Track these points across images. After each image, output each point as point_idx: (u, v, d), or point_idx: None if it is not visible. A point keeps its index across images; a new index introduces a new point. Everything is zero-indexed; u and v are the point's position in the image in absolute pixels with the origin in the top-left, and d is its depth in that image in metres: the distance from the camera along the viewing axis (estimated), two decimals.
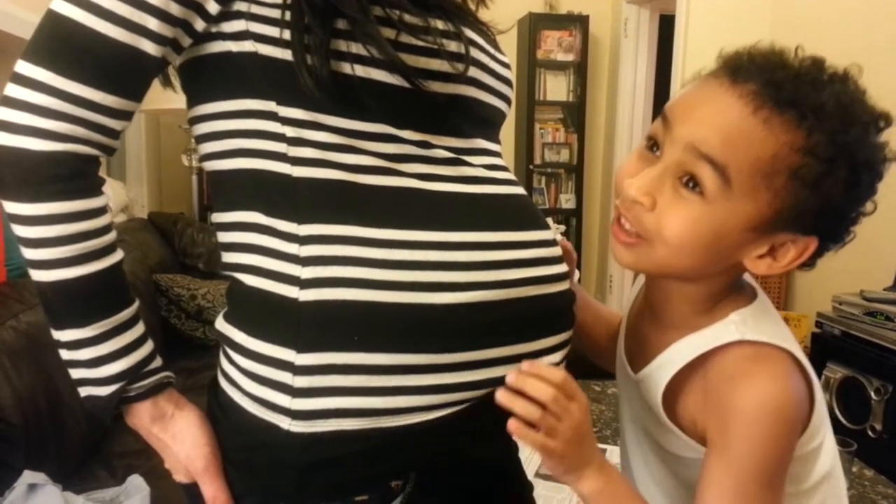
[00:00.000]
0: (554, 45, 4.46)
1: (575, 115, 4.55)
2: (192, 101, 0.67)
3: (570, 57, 4.48)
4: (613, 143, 4.49)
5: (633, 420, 0.76)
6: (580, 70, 4.49)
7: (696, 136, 0.60)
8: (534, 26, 4.36)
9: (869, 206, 0.62)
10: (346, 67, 0.60)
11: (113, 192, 2.64)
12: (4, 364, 1.34)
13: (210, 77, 0.64)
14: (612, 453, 1.42)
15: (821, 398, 0.65)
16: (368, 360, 0.60)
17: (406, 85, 0.61)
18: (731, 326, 0.64)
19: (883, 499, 1.26)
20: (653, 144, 0.65)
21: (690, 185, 0.60)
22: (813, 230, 0.61)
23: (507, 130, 4.62)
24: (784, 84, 0.58)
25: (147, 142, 3.41)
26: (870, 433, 2.06)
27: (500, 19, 0.78)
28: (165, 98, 0.72)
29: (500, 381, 0.64)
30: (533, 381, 0.61)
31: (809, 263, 0.64)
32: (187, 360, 2.20)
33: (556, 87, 4.56)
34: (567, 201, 4.60)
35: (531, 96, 4.45)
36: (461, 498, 0.72)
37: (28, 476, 1.19)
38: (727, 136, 0.59)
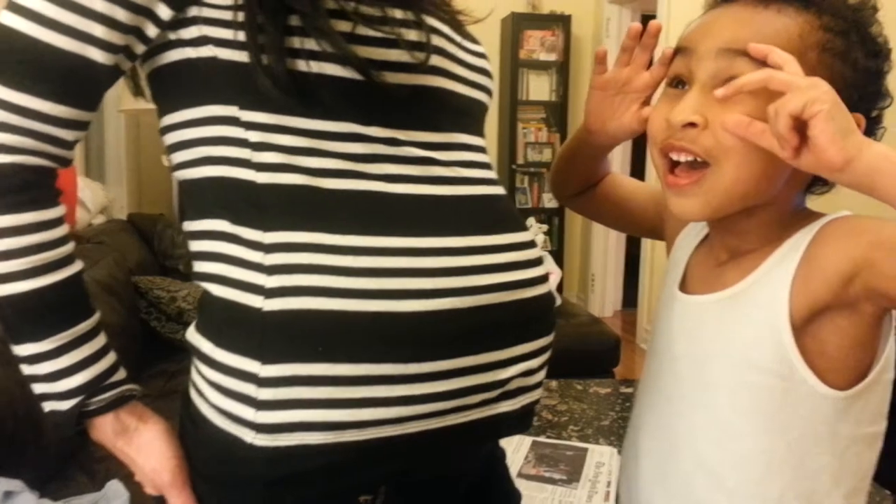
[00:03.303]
0: (536, 44, 4.48)
1: (557, 114, 4.57)
2: (161, 111, 0.66)
3: (552, 57, 4.50)
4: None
5: (701, 359, 0.70)
6: (563, 70, 4.51)
7: (726, 39, 0.62)
8: (516, 26, 4.38)
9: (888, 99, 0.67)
10: (302, 65, 0.59)
11: (92, 193, 2.62)
12: None
13: (174, 85, 0.64)
14: (594, 452, 1.43)
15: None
16: (333, 370, 0.58)
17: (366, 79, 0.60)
18: (829, 216, 0.64)
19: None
20: (677, 82, 0.67)
21: None
22: (856, 105, 0.62)
23: (490, 130, 4.63)
24: None
25: (127, 142, 3.38)
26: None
27: (481, 18, 0.77)
28: (145, 98, 0.72)
29: (471, 391, 0.64)
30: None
31: None
32: (167, 362, 2.18)
33: (539, 87, 4.57)
34: (550, 200, 4.61)
35: (514, 96, 4.46)
36: None
37: (3, 483, 1.17)
38: (754, 30, 0.62)
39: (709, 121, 0.62)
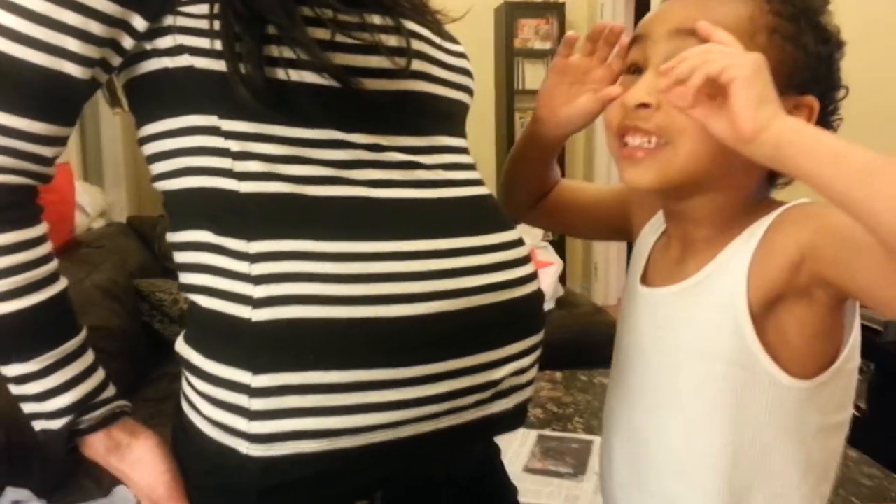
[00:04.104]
0: (531, 33, 4.46)
1: None
2: (139, 122, 0.65)
3: (547, 45, 4.48)
4: (593, 129, 4.49)
5: (664, 352, 0.70)
6: None
7: (678, 21, 0.64)
8: (510, 15, 4.35)
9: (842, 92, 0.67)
10: (281, 73, 0.58)
11: (90, 198, 2.61)
12: None
13: (152, 95, 0.63)
14: (599, 444, 1.43)
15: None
16: (326, 378, 0.58)
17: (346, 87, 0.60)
18: (789, 204, 0.64)
19: (867, 478, 1.28)
20: (634, 69, 0.69)
21: None
22: (808, 87, 0.63)
23: (488, 120, 4.62)
24: None
25: (124, 144, 3.37)
26: (854, 412, 2.09)
27: (475, 8, 0.77)
28: (122, 108, 0.71)
29: (464, 393, 0.63)
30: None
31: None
32: (171, 365, 2.16)
33: (535, 76, 4.55)
34: None
35: (510, 86, 4.44)
36: None
37: (11, 493, 1.18)
38: (705, 12, 0.63)
39: (662, 101, 0.63)
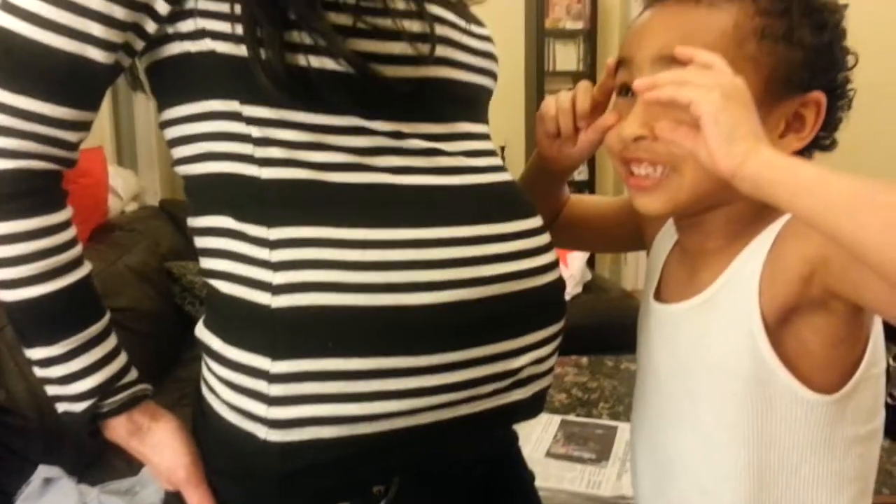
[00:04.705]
0: (562, 12, 4.38)
1: None
2: (161, 105, 0.66)
3: (579, 25, 4.40)
4: None
5: (681, 371, 0.69)
6: (590, 38, 4.40)
7: (657, 47, 0.62)
8: None
9: (850, 59, 0.65)
10: (301, 59, 0.58)
11: (123, 182, 2.65)
12: (19, 360, 1.36)
13: (174, 80, 0.63)
14: (624, 430, 1.42)
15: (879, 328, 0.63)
16: (344, 365, 0.58)
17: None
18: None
19: None
20: (626, 90, 0.67)
21: None
22: (811, 84, 0.61)
23: (518, 102, 4.57)
24: None
25: (157, 128, 3.40)
26: (888, 400, 2.03)
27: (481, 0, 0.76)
28: (143, 92, 0.71)
29: (482, 382, 0.63)
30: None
31: (831, 129, 0.64)
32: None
33: (566, 57, 4.48)
34: (580, 173, 4.54)
35: (540, 67, 4.37)
36: (450, 498, 0.71)
37: (43, 470, 1.22)
38: (685, 32, 0.61)
39: (657, 132, 0.61)
